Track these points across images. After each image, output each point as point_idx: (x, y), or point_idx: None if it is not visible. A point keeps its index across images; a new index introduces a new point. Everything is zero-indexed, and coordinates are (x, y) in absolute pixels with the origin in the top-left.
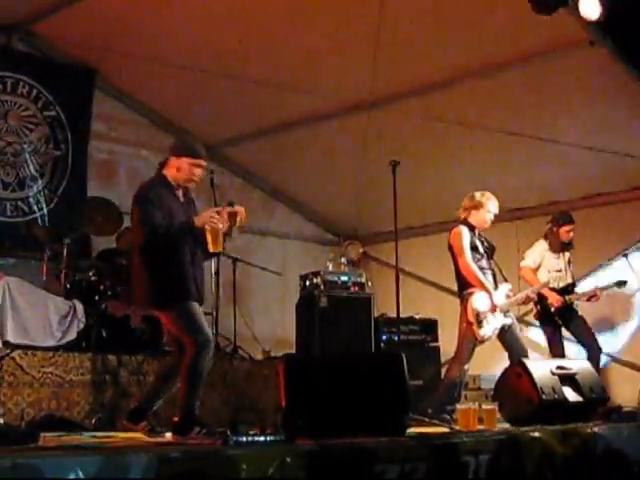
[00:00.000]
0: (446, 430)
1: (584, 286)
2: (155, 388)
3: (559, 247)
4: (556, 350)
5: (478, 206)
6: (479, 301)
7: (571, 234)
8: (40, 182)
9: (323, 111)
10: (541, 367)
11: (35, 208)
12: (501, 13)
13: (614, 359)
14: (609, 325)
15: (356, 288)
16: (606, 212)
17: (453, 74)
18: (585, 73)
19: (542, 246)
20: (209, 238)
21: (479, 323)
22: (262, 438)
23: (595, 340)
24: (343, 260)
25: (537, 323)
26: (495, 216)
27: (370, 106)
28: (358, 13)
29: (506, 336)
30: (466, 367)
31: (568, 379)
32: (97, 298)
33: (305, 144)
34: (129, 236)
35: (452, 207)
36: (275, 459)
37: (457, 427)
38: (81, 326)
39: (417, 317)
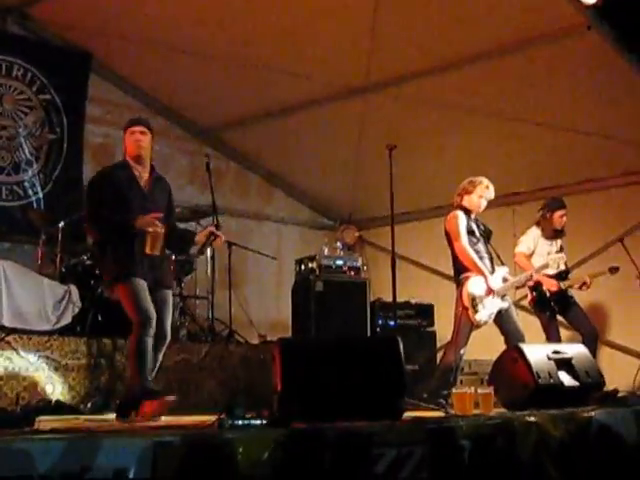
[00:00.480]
0: (442, 414)
1: (579, 272)
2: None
3: (552, 233)
4: (552, 336)
5: (470, 190)
6: (475, 285)
7: (564, 219)
8: (35, 166)
9: (319, 95)
10: (537, 352)
11: (30, 192)
12: None
13: (609, 344)
14: (604, 310)
15: (352, 272)
16: (602, 197)
17: (449, 59)
18: (581, 58)
19: (535, 233)
20: (148, 240)
21: (474, 307)
22: (258, 422)
23: (591, 326)
24: (339, 244)
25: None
26: (491, 201)
27: (366, 90)
28: None
29: (503, 320)
30: (462, 352)
31: (564, 364)
32: (92, 282)
33: (301, 128)
34: None
35: (448, 192)
36: (271, 443)
37: (453, 411)
38: (76, 310)
39: (413, 302)
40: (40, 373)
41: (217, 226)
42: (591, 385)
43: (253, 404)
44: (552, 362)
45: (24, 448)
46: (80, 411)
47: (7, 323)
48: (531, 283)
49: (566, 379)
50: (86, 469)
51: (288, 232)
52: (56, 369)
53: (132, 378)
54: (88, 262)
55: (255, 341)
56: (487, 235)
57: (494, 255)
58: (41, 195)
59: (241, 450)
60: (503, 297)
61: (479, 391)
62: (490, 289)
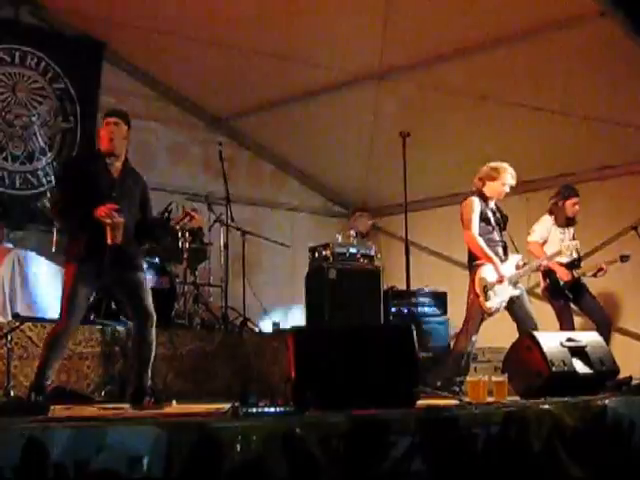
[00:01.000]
0: (456, 402)
1: (593, 260)
2: (135, 363)
3: (564, 221)
4: (566, 324)
5: (495, 177)
6: (486, 273)
7: (577, 207)
8: (49, 155)
9: (333, 83)
10: (551, 339)
11: (44, 181)
12: None
13: (622, 332)
14: (617, 298)
15: (365, 260)
16: (616, 184)
17: (463, 46)
18: (595, 44)
19: (548, 221)
20: (107, 231)
21: (485, 295)
22: (272, 410)
23: (604, 314)
24: (352, 232)
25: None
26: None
27: (380, 77)
28: None
29: (515, 308)
30: (473, 339)
31: (578, 351)
32: None
33: (315, 116)
34: None
35: (461, 179)
36: (285, 431)
37: (467, 399)
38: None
39: (427, 289)
40: None
41: (194, 209)
42: (605, 373)
43: (267, 392)
44: (566, 350)
45: (38, 436)
46: (94, 399)
47: (22, 312)
48: (542, 269)
49: (580, 367)
50: (100, 457)
51: (301, 220)
52: (70, 357)
53: (38, 368)
54: None
55: (269, 329)
56: (503, 222)
57: (509, 242)
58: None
59: (255, 438)
60: (515, 284)
61: (493, 379)
62: (501, 276)
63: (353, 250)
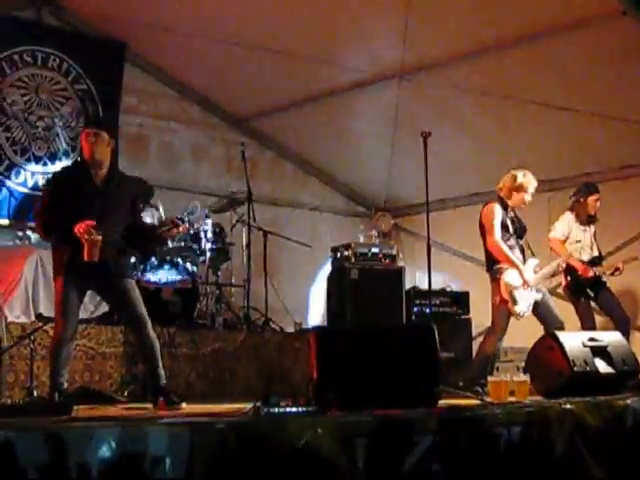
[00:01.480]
0: (477, 402)
1: (614, 259)
2: (147, 367)
3: (586, 219)
4: (587, 322)
5: (520, 189)
6: (511, 277)
7: (598, 204)
8: (72, 156)
9: (354, 82)
10: (573, 339)
11: None
12: None
13: None
14: (636, 296)
15: (387, 260)
16: (638, 184)
17: (484, 45)
18: (617, 43)
19: (569, 218)
20: (85, 248)
21: (513, 299)
22: (294, 410)
23: (623, 311)
24: (374, 232)
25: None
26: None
27: (401, 77)
28: None
29: (540, 309)
30: (500, 343)
31: (600, 351)
32: None
33: (336, 116)
34: None
35: (483, 179)
36: (307, 430)
37: (488, 399)
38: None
39: (448, 289)
40: (77, 361)
41: (181, 219)
42: (627, 373)
43: (289, 392)
44: (588, 349)
45: (61, 436)
46: (117, 399)
47: (45, 312)
48: (560, 270)
49: (602, 366)
50: (123, 457)
51: (323, 220)
52: (93, 357)
53: (50, 375)
54: None
55: (290, 329)
56: (521, 231)
57: (526, 248)
58: None
59: (277, 438)
60: (537, 288)
61: (515, 379)
62: (525, 281)
63: (375, 250)
